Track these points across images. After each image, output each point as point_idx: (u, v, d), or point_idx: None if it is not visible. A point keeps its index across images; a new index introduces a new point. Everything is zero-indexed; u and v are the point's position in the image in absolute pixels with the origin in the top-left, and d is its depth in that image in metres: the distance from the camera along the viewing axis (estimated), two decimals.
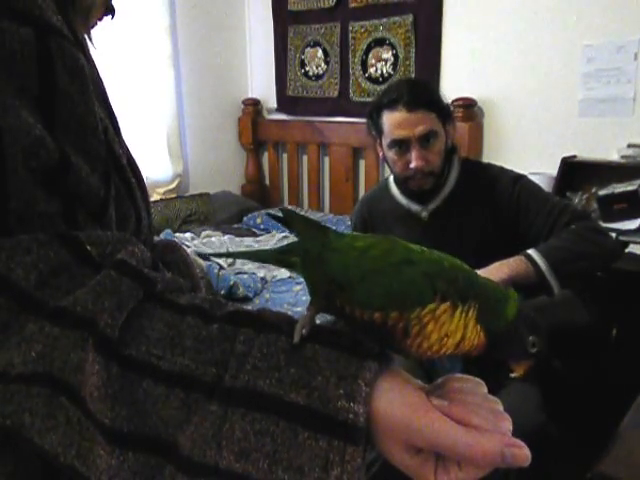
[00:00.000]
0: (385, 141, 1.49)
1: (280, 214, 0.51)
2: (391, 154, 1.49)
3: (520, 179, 1.52)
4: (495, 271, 1.33)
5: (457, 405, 0.38)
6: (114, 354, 0.36)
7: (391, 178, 1.64)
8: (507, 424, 0.39)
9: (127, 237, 0.44)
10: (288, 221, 0.50)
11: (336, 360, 0.38)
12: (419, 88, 1.48)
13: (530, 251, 1.37)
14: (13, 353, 0.36)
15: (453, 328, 0.40)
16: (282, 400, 0.36)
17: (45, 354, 0.36)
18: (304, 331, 0.40)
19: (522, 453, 0.36)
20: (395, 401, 0.37)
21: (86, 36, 0.51)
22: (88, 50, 0.49)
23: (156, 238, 0.65)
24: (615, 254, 1.45)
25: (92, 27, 0.52)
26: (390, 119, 1.45)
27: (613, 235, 2.06)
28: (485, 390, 0.42)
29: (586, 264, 1.39)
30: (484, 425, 0.37)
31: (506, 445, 0.36)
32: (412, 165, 1.44)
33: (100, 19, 0.52)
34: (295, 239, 0.50)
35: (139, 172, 0.53)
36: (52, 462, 0.36)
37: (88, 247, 0.40)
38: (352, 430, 0.36)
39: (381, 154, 1.56)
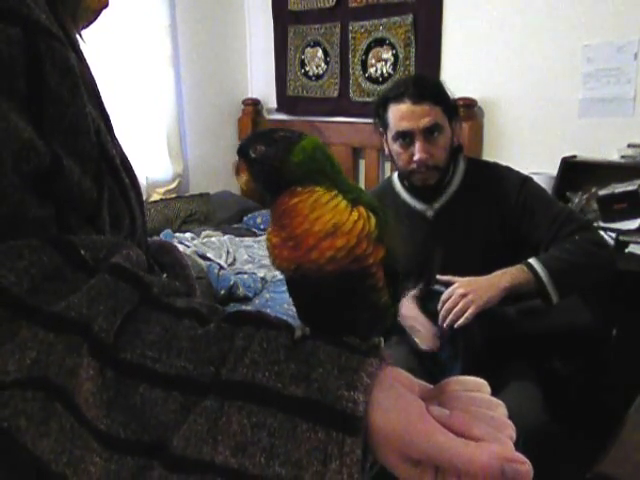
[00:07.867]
0: (390, 134, 1.49)
1: None
2: (396, 147, 1.49)
3: (528, 180, 1.52)
4: (497, 279, 1.35)
5: (457, 415, 0.37)
6: (109, 359, 0.36)
7: (394, 176, 1.63)
8: (510, 432, 0.38)
9: (122, 240, 0.43)
10: None
11: (337, 356, 0.38)
12: (425, 82, 1.50)
13: (531, 260, 1.38)
14: (7, 361, 0.35)
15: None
16: (280, 393, 0.36)
17: (40, 360, 0.35)
18: (306, 329, 0.40)
19: (523, 469, 0.35)
20: (392, 411, 0.37)
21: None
22: (79, 47, 0.47)
23: (154, 238, 0.64)
24: (610, 267, 1.47)
25: (86, 26, 0.51)
26: (395, 111, 1.45)
27: (613, 235, 2.06)
28: (488, 390, 0.41)
29: (584, 276, 1.42)
30: (485, 436, 0.36)
31: (507, 461, 0.35)
32: (416, 157, 1.44)
33: (94, 20, 0.51)
34: None
35: (133, 172, 0.52)
36: (44, 470, 0.35)
37: (82, 251, 0.39)
38: (351, 420, 0.35)
39: (387, 150, 1.56)
